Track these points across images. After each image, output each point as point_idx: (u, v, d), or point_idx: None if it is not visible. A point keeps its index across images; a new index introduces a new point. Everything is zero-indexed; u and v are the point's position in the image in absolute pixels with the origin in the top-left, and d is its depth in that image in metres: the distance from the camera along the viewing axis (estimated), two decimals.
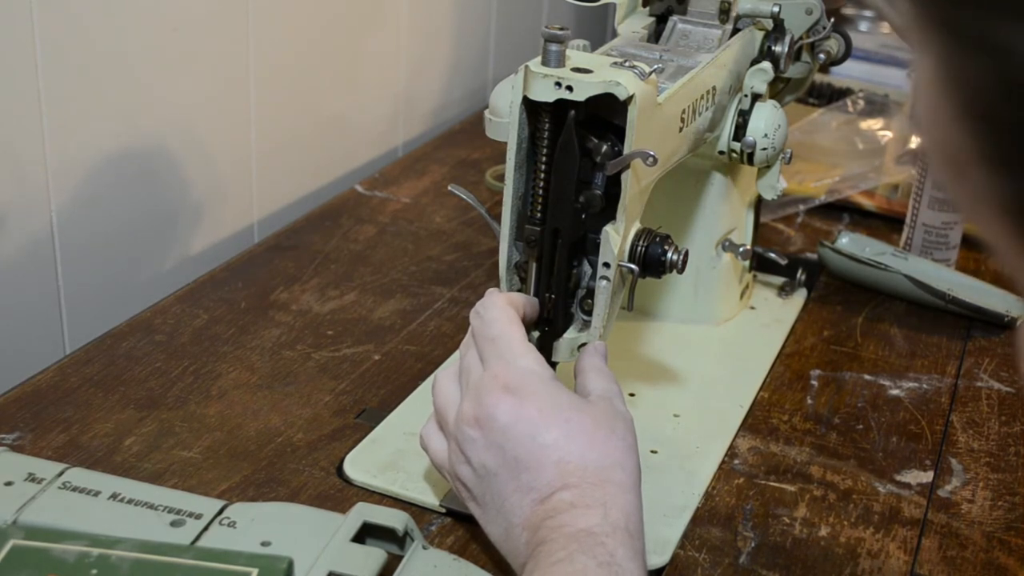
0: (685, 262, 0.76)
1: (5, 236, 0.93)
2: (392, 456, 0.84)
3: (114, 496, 0.72)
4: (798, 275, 1.11)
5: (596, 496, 0.62)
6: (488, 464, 0.66)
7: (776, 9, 0.93)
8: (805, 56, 1.04)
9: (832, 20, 1.00)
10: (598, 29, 1.82)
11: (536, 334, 0.77)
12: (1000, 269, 1.18)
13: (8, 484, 0.72)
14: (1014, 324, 1.07)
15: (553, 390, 0.66)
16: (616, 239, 0.74)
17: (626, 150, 0.72)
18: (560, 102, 0.71)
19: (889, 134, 1.34)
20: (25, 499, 0.71)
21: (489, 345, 0.69)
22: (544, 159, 0.73)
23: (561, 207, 0.74)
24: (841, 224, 1.27)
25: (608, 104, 0.71)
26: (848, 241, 1.14)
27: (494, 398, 0.65)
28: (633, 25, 0.93)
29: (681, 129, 0.81)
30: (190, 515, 0.71)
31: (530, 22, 1.69)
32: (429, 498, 0.80)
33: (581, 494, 0.62)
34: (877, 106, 1.44)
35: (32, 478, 0.73)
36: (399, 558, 0.71)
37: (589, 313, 0.77)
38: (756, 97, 0.93)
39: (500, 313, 0.70)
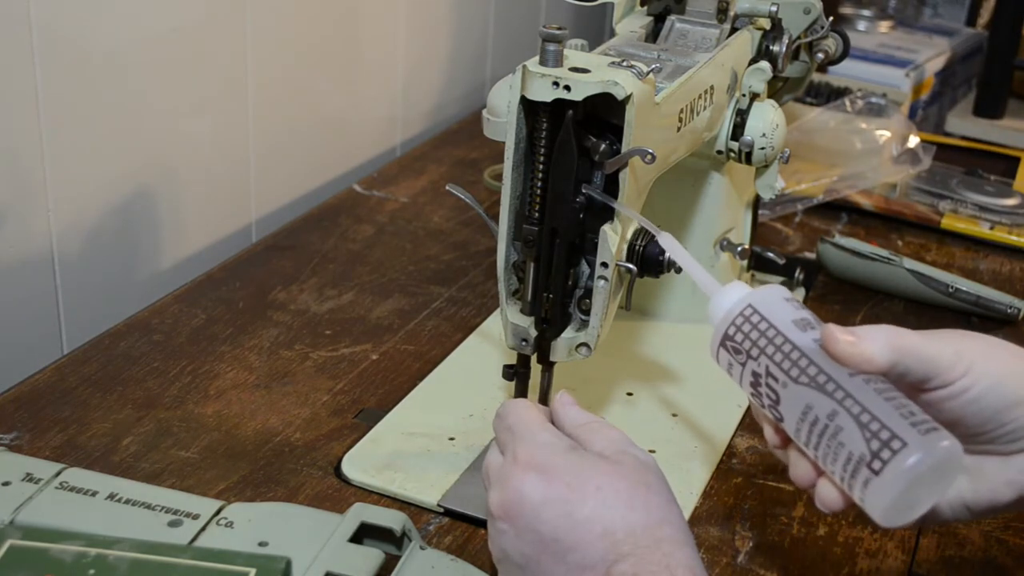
0: None
1: (3, 235, 0.93)
2: (390, 456, 0.84)
3: (112, 496, 0.72)
4: (796, 274, 1.11)
5: (656, 559, 0.60)
6: (527, 552, 0.62)
7: (774, 8, 0.93)
8: (803, 55, 1.04)
9: (830, 19, 1.00)
10: (596, 29, 1.82)
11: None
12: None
13: (6, 484, 0.72)
14: (1017, 317, 1.07)
15: (576, 459, 0.64)
16: (614, 239, 0.74)
17: (624, 149, 0.72)
18: (558, 102, 0.71)
19: (887, 133, 1.34)
20: (23, 499, 0.71)
21: (507, 435, 0.67)
22: (542, 159, 0.73)
23: (559, 206, 0.74)
24: (839, 223, 1.27)
25: (606, 104, 0.71)
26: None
27: (518, 479, 0.63)
28: (631, 24, 0.93)
29: (679, 128, 0.81)
30: (188, 515, 0.71)
31: (528, 22, 1.69)
32: (427, 498, 0.80)
33: (640, 561, 0.60)
34: (875, 105, 1.44)
35: (30, 478, 0.73)
36: (397, 558, 0.70)
37: (587, 313, 0.77)
38: (754, 96, 0.93)
39: (515, 405, 0.69)
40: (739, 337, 0.62)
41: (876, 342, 0.58)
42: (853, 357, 0.58)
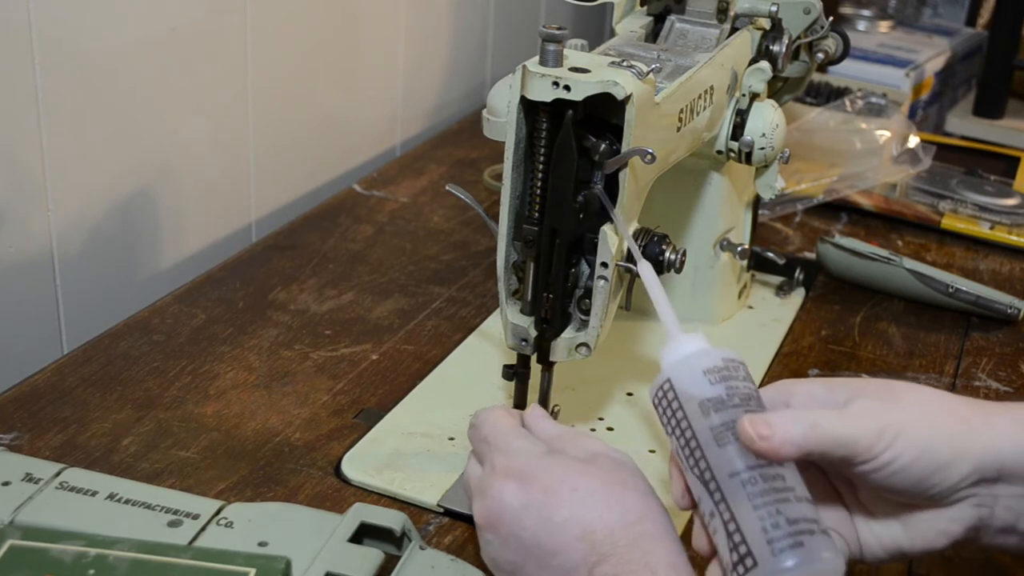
0: (683, 262, 0.76)
1: (3, 235, 0.93)
2: (390, 456, 0.84)
3: (111, 496, 0.72)
4: (796, 274, 1.11)
5: (636, 557, 0.60)
6: (513, 559, 0.64)
7: (774, 8, 0.93)
8: (803, 55, 1.04)
9: (830, 19, 1.00)
10: (596, 28, 1.82)
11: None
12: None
13: (5, 484, 0.72)
14: (1017, 317, 1.07)
15: (550, 463, 0.65)
16: (614, 239, 0.74)
17: (624, 149, 0.72)
18: (558, 102, 0.71)
19: (887, 133, 1.34)
20: (23, 499, 0.71)
21: (483, 445, 0.68)
22: (542, 159, 0.73)
23: (559, 207, 0.74)
24: (839, 223, 1.27)
25: (606, 104, 0.71)
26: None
27: (497, 488, 0.64)
28: (631, 24, 0.93)
29: (679, 128, 0.81)
30: (187, 515, 0.71)
31: (528, 21, 1.69)
32: (427, 498, 0.80)
33: (621, 561, 0.60)
34: (875, 106, 1.44)
35: (29, 478, 0.73)
36: (396, 558, 0.70)
37: (587, 313, 0.77)
38: (754, 96, 0.93)
39: (488, 414, 0.70)
40: (660, 410, 0.62)
41: (790, 433, 0.58)
42: (765, 453, 0.58)
